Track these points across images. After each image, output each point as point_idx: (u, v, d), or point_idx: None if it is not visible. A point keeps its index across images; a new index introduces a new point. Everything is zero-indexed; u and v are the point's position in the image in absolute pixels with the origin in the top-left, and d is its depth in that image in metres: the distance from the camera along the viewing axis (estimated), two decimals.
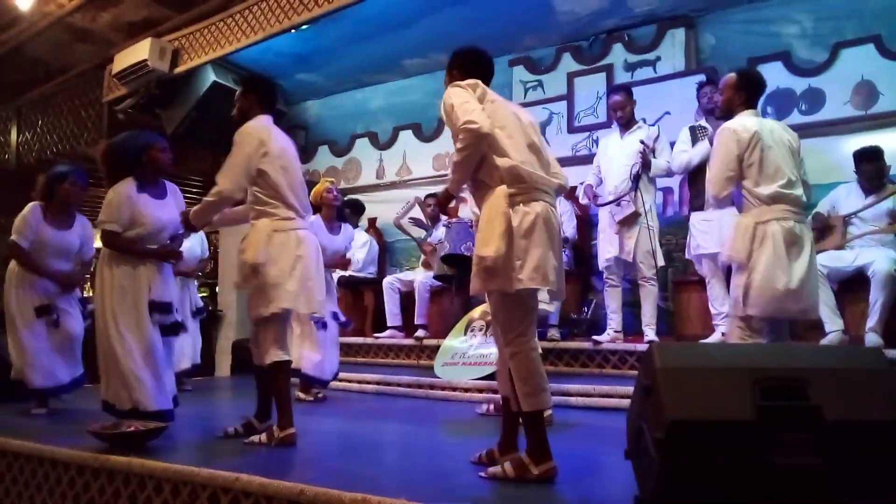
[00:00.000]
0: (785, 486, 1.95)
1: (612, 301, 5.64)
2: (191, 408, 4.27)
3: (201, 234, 6.25)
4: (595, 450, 3.50)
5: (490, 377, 5.17)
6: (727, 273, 4.51)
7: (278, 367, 3.61)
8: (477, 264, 2.71)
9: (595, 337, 5.58)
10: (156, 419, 3.69)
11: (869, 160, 5.05)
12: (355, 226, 7.63)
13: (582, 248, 6.71)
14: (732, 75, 3.92)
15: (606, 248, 5.56)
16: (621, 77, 6.82)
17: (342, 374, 5.92)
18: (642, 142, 5.39)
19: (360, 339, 7.10)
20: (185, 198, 4.43)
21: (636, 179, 5.35)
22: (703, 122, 5.42)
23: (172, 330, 4.07)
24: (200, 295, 7.07)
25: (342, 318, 5.59)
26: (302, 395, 5.40)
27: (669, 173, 5.58)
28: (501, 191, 2.72)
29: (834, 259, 4.92)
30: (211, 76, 7.65)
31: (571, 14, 6.75)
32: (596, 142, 6.71)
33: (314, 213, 5.54)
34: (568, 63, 7.25)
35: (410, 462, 3.34)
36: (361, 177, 8.59)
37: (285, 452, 3.34)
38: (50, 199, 4.80)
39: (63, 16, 8.40)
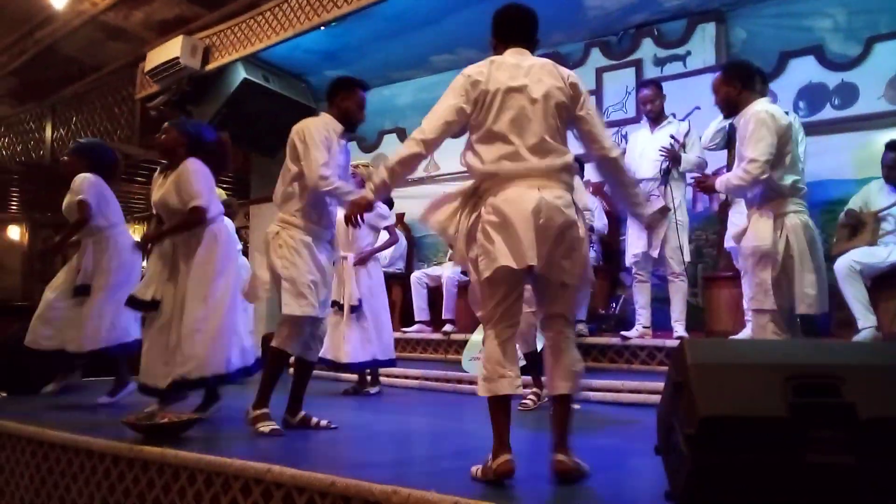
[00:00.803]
0: (817, 484, 1.94)
1: (641, 296, 5.61)
2: (224, 400, 4.31)
3: None
4: (624, 445, 3.50)
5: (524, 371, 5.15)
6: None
7: None
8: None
9: (623, 332, 5.56)
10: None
11: (891, 149, 5.00)
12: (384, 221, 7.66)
13: (610, 244, 6.69)
14: (717, 75, 3.84)
15: (635, 243, 5.54)
16: (650, 72, 6.77)
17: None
18: (672, 137, 5.36)
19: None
20: None
21: (666, 174, 5.33)
22: None
23: None
24: None
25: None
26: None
27: (700, 168, 5.53)
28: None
29: (867, 255, 4.85)
30: (241, 73, 7.72)
31: (600, 9, 6.71)
32: (625, 137, 6.67)
33: None
34: (597, 58, 7.21)
35: (439, 455, 3.35)
36: None
37: (316, 445, 3.37)
38: None
39: (96, 14, 8.53)
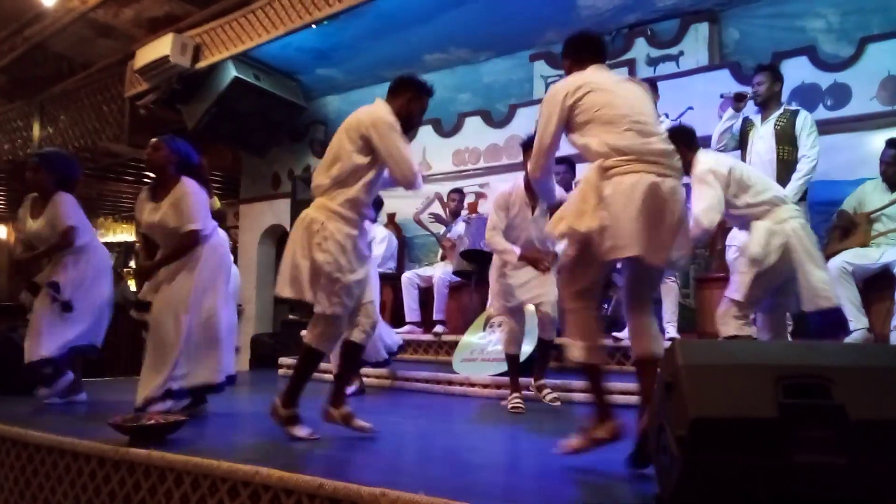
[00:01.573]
0: (807, 485, 1.93)
1: None
2: (211, 401, 4.29)
3: None
4: (614, 446, 3.48)
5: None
6: None
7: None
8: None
9: (615, 333, 5.55)
10: None
11: (892, 146, 5.00)
12: (374, 220, 7.63)
13: None
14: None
15: None
16: (643, 72, 6.77)
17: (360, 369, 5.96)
18: None
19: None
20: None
21: None
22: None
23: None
24: None
25: None
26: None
27: None
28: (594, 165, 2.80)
29: (859, 256, 4.86)
30: (232, 72, 7.70)
31: (593, 9, 6.71)
32: None
33: None
34: None
35: (428, 457, 3.34)
36: None
37: (304, 446, 3.35)
38: None
39: (86, 12, 8.50)
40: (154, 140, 4.16)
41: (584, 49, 3.16)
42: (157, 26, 8.52)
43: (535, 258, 4.49)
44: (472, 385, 5.45)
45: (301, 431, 3.47)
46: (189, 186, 4.01)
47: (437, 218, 7.27)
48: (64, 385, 4.71)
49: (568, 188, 6.35)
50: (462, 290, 6.67)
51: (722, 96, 5.33)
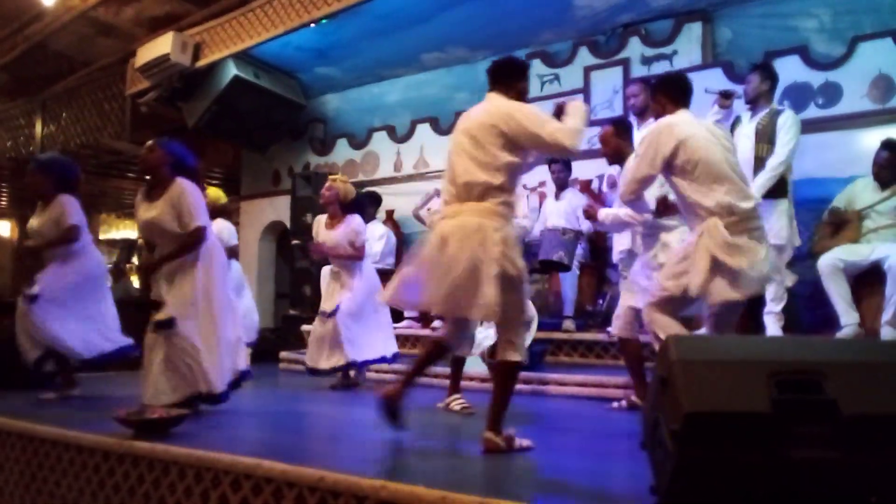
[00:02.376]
0: (800, 479, 1.96)
1: None
2: None
3: None
4: (610, 441, 3.54)
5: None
6: None
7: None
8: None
9: (610, 329, 5.59)
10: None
11: (885, 148, 5.03)
12: (372, 217, 7.68)
13: (598, 241, 6.72)
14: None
15: (620, 240, 5.56)
16: (638, 71, 6.81)
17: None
18: None
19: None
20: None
21: None
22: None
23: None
24: None
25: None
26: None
27: None
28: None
29: (850, 253, 4.90)
30: (232, 70, 7.72)
31: (588, 8, 6.75)
32: None
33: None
34: (584, 57, 7.25)
35: (428, 450, 3.37)
36: (379, 170, 8.65)
37: (305, 440, 3.39)
38: None
39: (86, 10, 8.51)
40: (149, 142, 4.19)
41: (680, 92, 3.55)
42: (158, 25, 8.54)
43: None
44: (471, 379, 5.49)
45: (525, 441, 3.19)
46: (185, 185, 4.03)
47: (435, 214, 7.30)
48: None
49: (564, 186, 6.40)
50: None
51: (707, 90, 5.26)
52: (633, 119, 5.81)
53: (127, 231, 15.21)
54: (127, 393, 4.38)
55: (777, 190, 4.98)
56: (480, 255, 2.99)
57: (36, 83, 10.47)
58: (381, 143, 8.69)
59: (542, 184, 7.12)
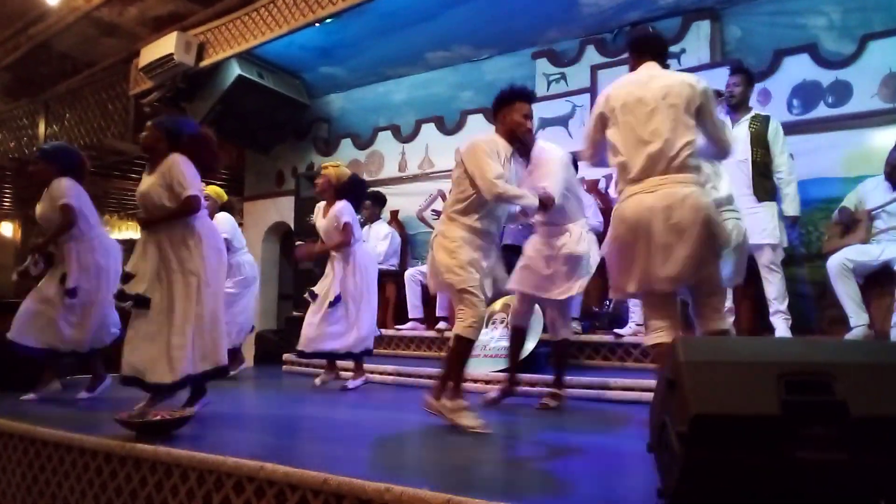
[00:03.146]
0: (809, 481, 1.94)
1: None
2: (216, 397, 4.31)
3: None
4: (617, 443, 3.50)
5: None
6: None
7: None
8: None
9: (617, 330, 5.57)
10: None
11: None
12: (377, 217, 7.67)
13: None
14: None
15: None
16: None
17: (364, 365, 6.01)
18: None
19: (381, 331, 7.13)
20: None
21: None
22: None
23: None
24: None
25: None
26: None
27: None
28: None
29: (860, 253, 4.87)
30: (236, 70, 7.72)
31: (595, 6, 6.72)
32: None
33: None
34: (591, 56, 7.22)
35: (432, 452, 3.36)
36: (384, 169, 8.63)
37: (308, 442, 3.37)
38: None
39: (90, 10, 8.53)
40: (147, 123, 4.20)
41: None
42: (161, 25, 8.54)
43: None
44: (475, 381, 5.47)
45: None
46: (177, 157, 3.99)
47: (439, 215, 7.28)
48: (52, 388, 4.83)
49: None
50: None
51: None
52: None
53: (130, 232, 15.23)
54: (129, 395, 4.36)
55: (769, 192, 5.15)
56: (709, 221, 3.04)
57: (39, 83, 10.49)
58: (385, 142, 8.67)
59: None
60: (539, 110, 7.15)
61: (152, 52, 7.69)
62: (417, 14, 6.90)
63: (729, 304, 4.54)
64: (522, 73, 7.62)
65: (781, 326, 4.97)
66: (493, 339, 5.74)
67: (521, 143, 3.94)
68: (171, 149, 4.06)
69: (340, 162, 6.30)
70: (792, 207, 5.15)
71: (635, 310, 5.58)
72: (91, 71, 9.98)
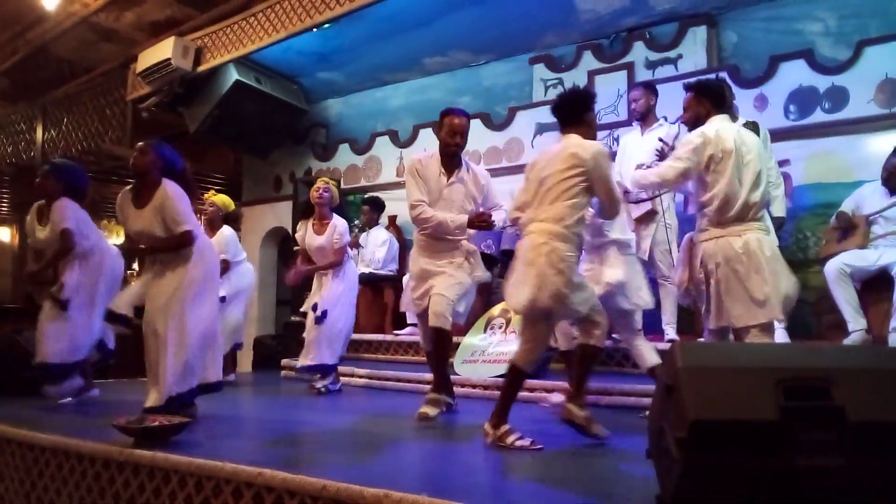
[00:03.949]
0: (807, 487, 1.94)
1: None
2: (215, 403, 4.31)
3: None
4: (615, 448, 3.50)
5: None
6: None
7: None
8: None
9: (615, 335, 5.56)
10: None
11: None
12: (375, 223, 7.67)
13: None
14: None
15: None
16: (642, 75, 6.79)
17: (362, 371, 5.99)
18: (661, 139, 5.35)
19: (379, 337, 7.13)
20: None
21: None
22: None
23: None
24: None
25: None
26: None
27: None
28: None
29: (857, 258, 4.88)
30: (233, 75, 7.73)
31: (592, 12, 6.74)
32: (617, 140, 6.68)
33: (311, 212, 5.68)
34: (589, 61, 7.24)
35: (431, 458, 3.35)
36: (382, 175, 8.63)
37: (307, 448, 3.37)
38: None
39: (88, 15, 8.54)
40: (140, 144, 4.15)
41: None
42: (159, 30, 8.55)
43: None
44: (474, 386, 5.47)
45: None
46: (170, 188, 4.00)
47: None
48: (73, 387, 4.80)
49: None
50: None
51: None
52: (635, 124, 5.81)
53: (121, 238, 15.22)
54: (127, 400, 4.36)
55: None
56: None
57: (37, 88, 10.49)
58: (383, 147, 8.67)
59: None
60: (536, 116, 7.17)
61: (150, 56, 7.69)
62: (415, 19, 6.91)
63: None
64: (520, 78, 7.64)
65: (778, 331, 4.96)
66: (492, 344, 5.74)
67: None
68: (162, 176, 4.06)
69: (342, 177, 6.32)
70: (779, 209, 5.17)
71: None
72: (89, 76, 10.00)
